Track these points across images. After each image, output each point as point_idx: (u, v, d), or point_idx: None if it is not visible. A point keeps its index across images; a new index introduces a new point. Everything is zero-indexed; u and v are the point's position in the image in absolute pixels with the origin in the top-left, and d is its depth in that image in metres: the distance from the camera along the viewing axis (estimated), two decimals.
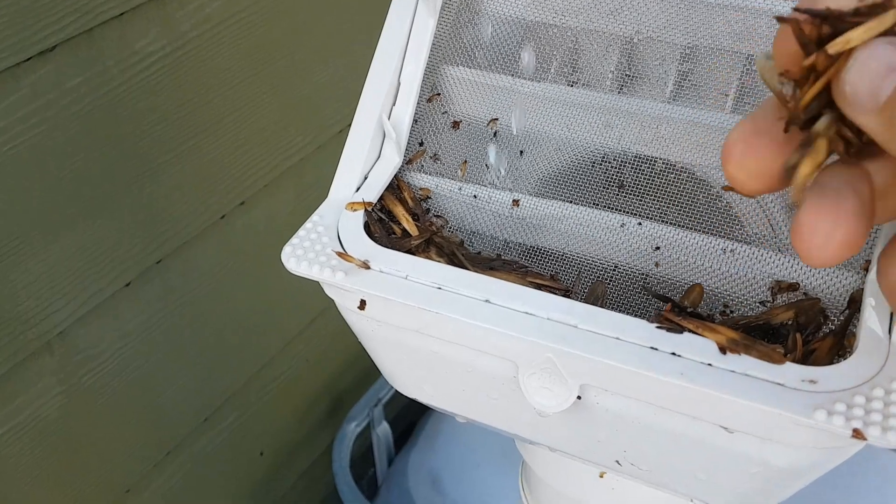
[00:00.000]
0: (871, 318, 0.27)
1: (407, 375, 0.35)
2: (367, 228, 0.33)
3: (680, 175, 0.33)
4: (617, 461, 0.33)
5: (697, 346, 0.28)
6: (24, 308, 0.65)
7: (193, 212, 0.78)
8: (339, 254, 0.31)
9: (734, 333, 0.28)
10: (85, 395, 0.74)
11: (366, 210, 0.34)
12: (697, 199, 0.33)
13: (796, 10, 0.20)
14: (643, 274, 0.33)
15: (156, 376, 0.81)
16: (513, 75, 0.36)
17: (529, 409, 0.32)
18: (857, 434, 0.25)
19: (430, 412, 1.16)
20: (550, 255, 0.34)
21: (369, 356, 0.38)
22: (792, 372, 0.27)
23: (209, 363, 0.87)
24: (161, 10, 0.68)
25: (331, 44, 0.85)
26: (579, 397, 0.30)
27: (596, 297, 0.32)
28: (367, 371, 1.15)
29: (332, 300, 0.34)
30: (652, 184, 0.33)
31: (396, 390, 1.09)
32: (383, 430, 1.14)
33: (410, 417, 1.22)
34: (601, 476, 0.45)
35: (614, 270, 0.33)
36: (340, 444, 1.08)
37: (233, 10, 0.74)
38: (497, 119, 0.36)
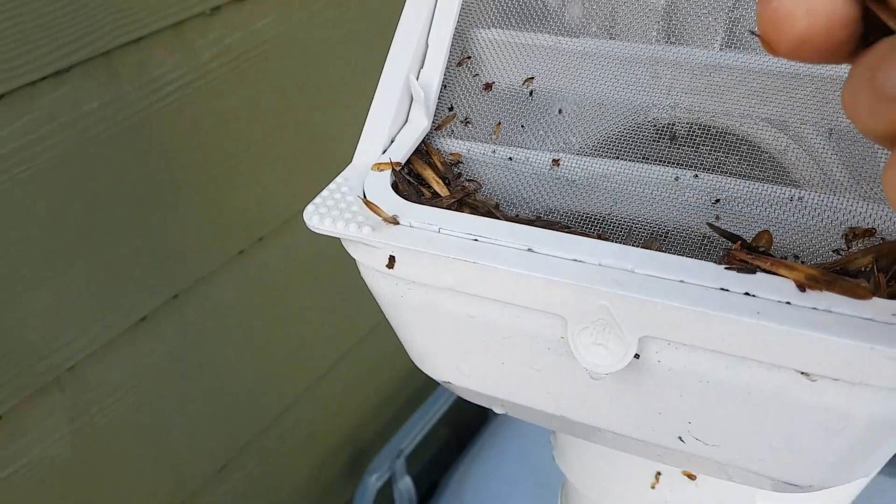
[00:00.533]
0: None
1: (439, 351, 0.32)
2: (395, 188, 0.31)
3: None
4: (680, 437, 0.29)
5: (773, 286, 0.25)
6: (33, 339, 0.63)
7: (211, 246, 0.76)
8: (367, 202, 0.29)
9: (813, 270, 0.25)
10: (96, 435, 0.71)
11: (393, 169, 0.31)
12: (759, 146, 0.30)
13: None
14: (702, 234, 0.30)
15: (171, 418, 0.78)
16: (548, 33, 0.34)
17: (579, 378, 0.29)
18: None
19: (455, 467, 1.11)
20: (595, 219, 0.31)
21: (399, 341, 0.34)
22: (881, 306, 0.23)
23: (227, 405, 0.84)
24: (180, 38, 0.67)
25: (354, 79, 0.84)
26: (637, 356, 0.27)
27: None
28: (389, 420, 1.10)
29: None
30: (707, 133, 0.31)
31: (419, 440, 1.05)
32: (405, 485, 1.08)
33: (434, 475, 1.17)
34: (653, 487, 0.41)
35: (668, 229, 0.30)
36: (361, 499, 1.03)
37: (254, 42, 0.74)
38: (533, 78, 0.34)
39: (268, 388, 0.88)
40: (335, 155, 0.85)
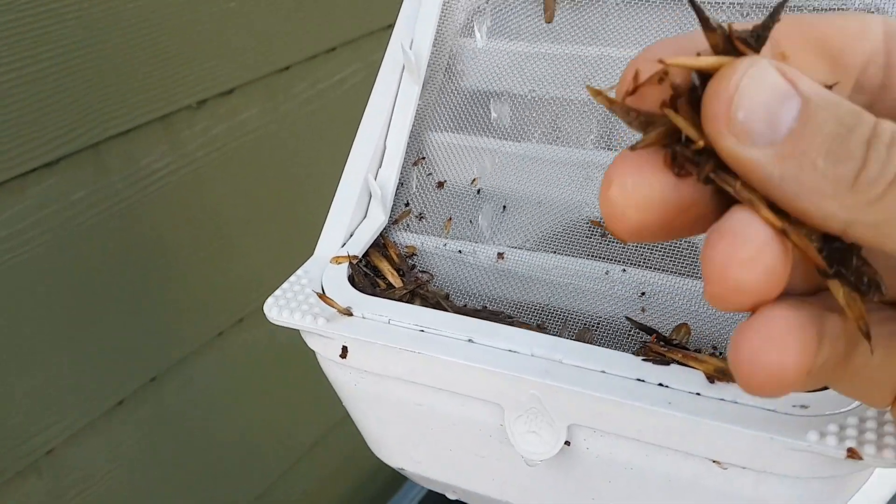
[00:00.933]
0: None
1: (393, 439, 0.34)
2: (352, 281, 0.33)
3: None
4: None
5: (685, 377, 0.27)
6: (12, 423, 0.64)
7: (190, 328, 0.78)
8: (321, 296, 0.31)
9: (721, 363, 0.27)
10: None
11: (350, 262, 0.34)
12: (680, 244, 0.33)
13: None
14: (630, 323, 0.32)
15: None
16: (495, 137, 0.37)
17: (519, 466, 0.31)
18: (851, 453, 0.23)
19: None
20: (536, 309, 0.34)
21: (362, 433, 0.36)
22: (784, 398, 0.26)
23: (204, 491, 0.84)
24: (168, 129, 0.71)
25: (336, 165, 0.87)
26: (567, 443, 0.29)
27: (583, 342, 0.31)
28: None
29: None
30: None
31: None
32: None
33: None
34: None
35: (600, 319, 0.33)
36: None
37: (239, 133, 0.77)
38: (480, 178, 0.37)
39: (244, 472, 0.88)
40: (316, 239, 0.88)
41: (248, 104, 0.77)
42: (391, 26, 0.39)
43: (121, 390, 0.72)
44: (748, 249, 0.17)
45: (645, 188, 0.18)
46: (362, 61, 0.90)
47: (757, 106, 0.17)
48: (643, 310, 0.32)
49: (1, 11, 0.54)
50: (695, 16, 0.17)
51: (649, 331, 0.29)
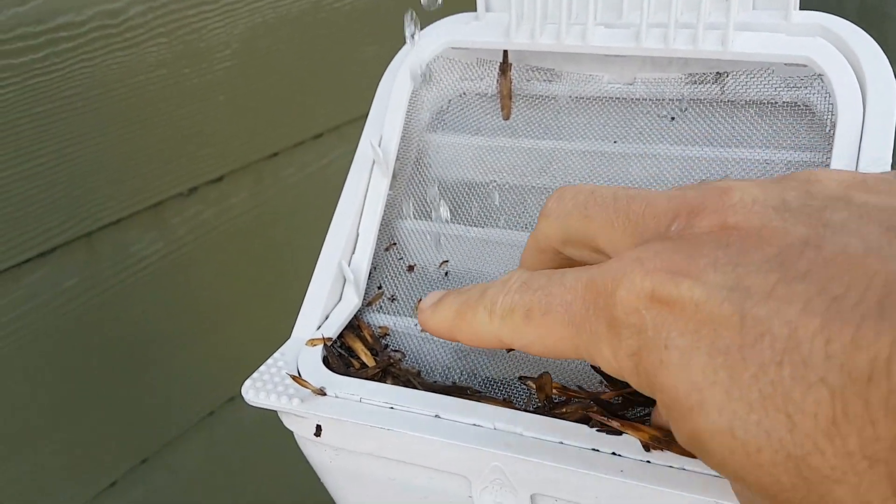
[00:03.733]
0: None
1: None
2: (327, 362, 0.35)
3: None
4: None
5: (636, 446, 0.29)
6: None
7: (181, 408, 0.79)
8: (294, 378, 0.33)
9: (656, 431, 0.29)
10: None
11: (324, 344, 0.36)
12: None
13: None
14: (589, 391, 0.34)
15: None
16: (460, 223, 0.40)
17: None
18: None
19: None
20: (502, 383, 0.36)
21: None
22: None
23: None
24: (158, 217, 0.73)
25: (321, 244, 0.89)
26: None
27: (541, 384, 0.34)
28: None
29: None
30: None
31: None
32: None
33: None
34: None
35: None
36: None
37: (229, 216, 0.80)
38: (447, 261, 0.39)
39: None
40: None
41: (237, 189, 0.80)
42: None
43: (112, 472, 0.73)
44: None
45: None
46: (348, 144, 0.93)
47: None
48: (601, 382, 0.34)
49: (2, 112, 0.57)
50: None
51: (599, 402, 0.31)
